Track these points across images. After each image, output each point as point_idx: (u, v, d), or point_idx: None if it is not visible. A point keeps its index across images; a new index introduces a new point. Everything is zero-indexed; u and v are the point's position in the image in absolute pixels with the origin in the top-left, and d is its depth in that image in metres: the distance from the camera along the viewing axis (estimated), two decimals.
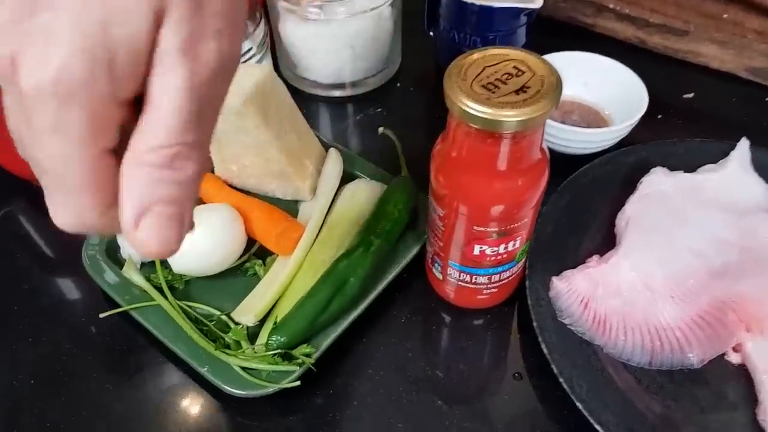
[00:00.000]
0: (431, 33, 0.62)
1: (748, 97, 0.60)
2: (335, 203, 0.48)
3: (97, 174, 0.18)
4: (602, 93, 0.55)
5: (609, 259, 0.45)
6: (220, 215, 0.44)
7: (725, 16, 0.61)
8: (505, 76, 0.33)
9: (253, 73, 0.43)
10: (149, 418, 0.40)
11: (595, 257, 0.46)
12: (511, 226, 0.37)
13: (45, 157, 0.18)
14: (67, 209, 0.19)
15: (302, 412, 0.40)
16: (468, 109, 0.31)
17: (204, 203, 0.47)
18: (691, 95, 0.60)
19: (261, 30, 0.55)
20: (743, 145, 0.50)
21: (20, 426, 0.39)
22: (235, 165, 0.48)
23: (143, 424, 0.40)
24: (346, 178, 0.50)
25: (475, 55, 0.34)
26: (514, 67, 0.33)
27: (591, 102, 0.56)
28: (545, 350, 0.40)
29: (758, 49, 0.59)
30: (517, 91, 0.32)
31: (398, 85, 0.63)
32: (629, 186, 0.49)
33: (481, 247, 0.38)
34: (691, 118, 0.58)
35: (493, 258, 0.39)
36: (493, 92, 0.32)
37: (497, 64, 0.34)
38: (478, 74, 0.33)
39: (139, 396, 0.41)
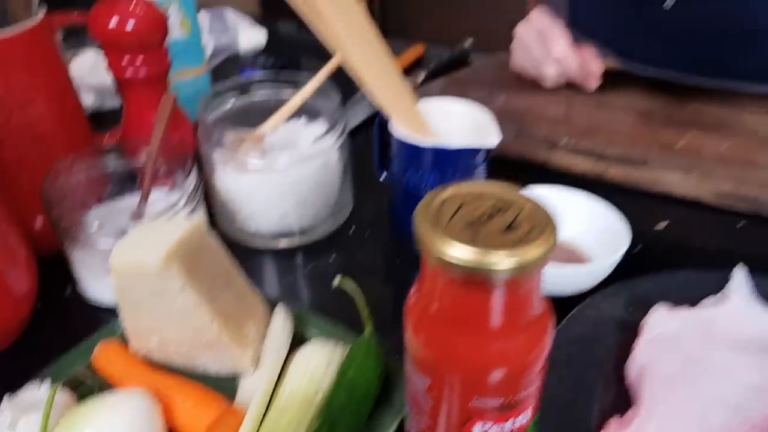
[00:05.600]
0: (382, 177, 0.57)
1: (719, 223, 0.57)
2: (285, 375, 0.39)
3: None
4: (577, 229, 0.51)
5: (632, 420, 0.36)
6: (129, 407, 0.33)
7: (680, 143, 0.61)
8: (488, 212, 0.27)
9: (177, 226, 0.36)
10: None
11: (614, 419, 0.37)
12: (518, 395, 0.29)
13: None
14: None
15: None
16: (448, 256, 0.25)
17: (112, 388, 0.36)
18: (664, 225, 0.57)
19: (192, 179, 0.48)
20: (739, 275, 0.46)
21: None
22: (157, 336, 0.38)
23: None
24: (298, 341, 0.41)
25: (448, 191, 0.28)
26: (495, 204, 0.27)
27: (566, 239, 0.51)
28: None
29: (722, 174, 0.57)
30: (505, 230, 0.26)
31: (351, 231, 0.57)
32: (631, 328, 0.42)
33: (483, 425, 0.29)
34: (670, 248, 0.54)
35: None
36: (477, 232, 0.25)
37: (475, 201, 0.27)
38: (455, 212, 0.27)
39: None
